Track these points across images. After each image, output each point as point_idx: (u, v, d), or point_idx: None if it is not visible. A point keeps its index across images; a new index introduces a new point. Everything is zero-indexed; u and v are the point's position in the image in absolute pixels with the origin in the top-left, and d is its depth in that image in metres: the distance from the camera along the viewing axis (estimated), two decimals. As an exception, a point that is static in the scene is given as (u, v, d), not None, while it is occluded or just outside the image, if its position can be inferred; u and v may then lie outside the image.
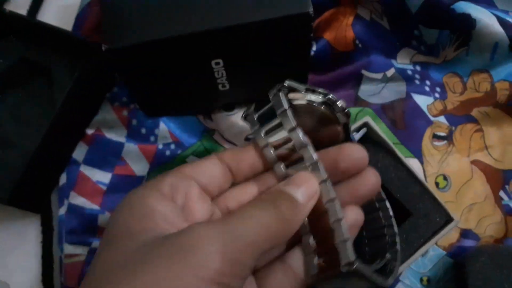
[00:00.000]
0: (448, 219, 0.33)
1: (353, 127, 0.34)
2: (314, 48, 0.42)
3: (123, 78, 0.34)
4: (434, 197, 0.33)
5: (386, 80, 0.42)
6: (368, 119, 0.34)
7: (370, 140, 0.34)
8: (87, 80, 0.38)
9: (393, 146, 0.33)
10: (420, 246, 0.32)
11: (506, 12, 0.42)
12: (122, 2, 0.31)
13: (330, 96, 0.25)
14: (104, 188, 0.39)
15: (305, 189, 0.22)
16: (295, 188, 0.22)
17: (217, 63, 0.33)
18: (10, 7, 0.45)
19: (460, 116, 0.41)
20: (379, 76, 0.42)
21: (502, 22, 0.40)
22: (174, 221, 0.21)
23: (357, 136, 0.33)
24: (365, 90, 0.42)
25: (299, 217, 0.22)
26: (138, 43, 0.30)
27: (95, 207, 0.39)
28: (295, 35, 0.32)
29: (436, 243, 0.38)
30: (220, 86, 0.36)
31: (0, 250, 0.38)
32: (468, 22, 0.40)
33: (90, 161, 0.40)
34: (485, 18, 0.40)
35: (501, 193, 0.39)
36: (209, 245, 0.18)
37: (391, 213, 0.29)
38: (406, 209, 0.33)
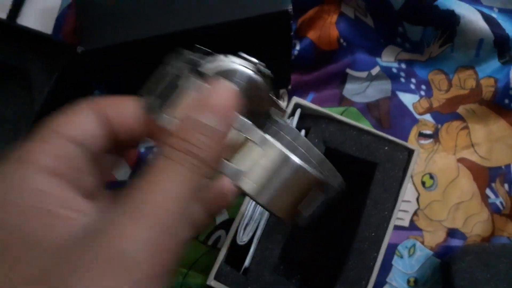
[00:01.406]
0: (410, 152, 0.31)
1: (288, 112, 0.33)
2: (297, 47, 0.42)
3: (100, 80, 0.34)
4: (388, 139, 0.32)
5: (371, 78, 0.41)
6: (295, 99, 0.32)
7: (308, 117, 0.33)
8: (66, 82, 0.37)
9: (330, 112, 0.32)
10: (400, 186, 0.31)
11: (491, 7, 0.42)
12: (97, 4, 0.30)
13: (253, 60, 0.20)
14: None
15: (222, 108, 0.17)
16: (210, 115, 0.16)
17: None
18: (-11, 10, 0.45)
19: (446, 114, 0.41)
20: (364, 74, 0.41)
21: (486, 18, 0.40)
22: (74, 204, 0.15)
23: (295, 118, 0.32)
24: (350, 89, 0.41)
25: (220, 150, 0.16)
26: (114, 44, 0.29)
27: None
28: (275, 34, 0.31)
29: (423, 243, 0.37)
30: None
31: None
32: (452, 18, 0.39)
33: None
34: (470, 14, 0.39)
35: (488, 191, 0.39)
36: (138, 251, 0.14)
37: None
38: (371, 162, 0.32)
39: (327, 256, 0.34)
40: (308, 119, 0.32)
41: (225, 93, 0.17)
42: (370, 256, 0.29)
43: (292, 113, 0.32)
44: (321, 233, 0.36)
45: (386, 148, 0.31)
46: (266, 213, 0.29)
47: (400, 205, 0.31)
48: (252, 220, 0.29)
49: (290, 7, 0.29)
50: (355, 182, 0.33)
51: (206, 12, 0.29)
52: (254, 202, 0.29)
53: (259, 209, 0.29)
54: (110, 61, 0.31)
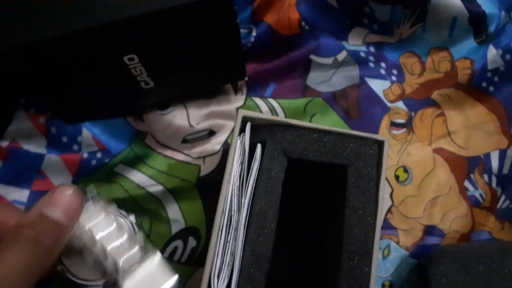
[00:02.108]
0: (380, 143, 0.29)
1: (236, 129, 0.28)
2: (254, 33, 0.37)
3: (21, 85, 0.29)
4: (353, 135, 0.29)
5: (337, 65, 0.38)
6: (240, 112, 0.29)
7: (261, 128, 0.29)
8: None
9: (283, 119, 0.28)
10: (377, 185, 0.28)
11: (465, -19, 0.38)
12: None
13: None
14: (23, 208, 0.34)
15: (66, 207, 0.21)
16: (55, 208, 0.21)
17: (131, 59, 0.28)
18: None
19: (419, 100, 0.38)
20: (329, 61, 0.38)
21: (460, -7, 0.36)
22: None
23: (246, 134, 0.28)
24: (314, 78, 0.37)
25: (63, 240, 0.21)
26: (29, 43, 0.25)
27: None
28: (217, 22, 0.27)
29: (398, 243, 0.34)
30: (143, 84, 0.31)
31: None
32: (422, -5, 0.35)
33: (5, 178, 0.35)
34: (441, -10, 0.36)
35: (466, 183, 0.36)
36: None
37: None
38: (339, 164, 0.28)
39: (316, 282, 0.31)
40: (262, 130, 0.28)
41: (68, 192, 0.21)
42: (362, 272, 0.26)
43: (242, 129, 0.28)
44: (304, 256, 0.33)
45: (352, 145, 0.28)
46: (239, 252, 0.25)
47: (383, 207, 0.28)
48: (224, 263, 0.25)
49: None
50: (328, 190, 0.30)
51: (133, 2, 0.25)
52: (222, 243, 0.25)
53: (230, 248, 0.25)
54: (30, 63, 0.26)
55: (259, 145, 0.27)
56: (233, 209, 0.26)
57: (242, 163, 0.27)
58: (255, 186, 0.26)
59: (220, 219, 0.25)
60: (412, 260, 0.34)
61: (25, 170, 0.35)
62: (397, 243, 0.35)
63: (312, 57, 0.38)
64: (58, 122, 0.35)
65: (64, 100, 0.31)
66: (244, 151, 0.27)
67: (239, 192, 0.26)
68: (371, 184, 0.27)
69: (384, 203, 0.35)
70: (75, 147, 0.35)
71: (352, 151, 0.28)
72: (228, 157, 0.27)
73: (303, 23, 0.38)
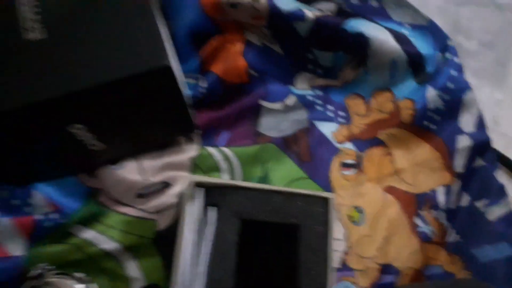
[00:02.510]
0: (326, 201, 0.30)
1: (186, 194, 0.29)
2: (204, 84, 0.38)
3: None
4: (300, 193, 0.30)
5: (286, 110, 0.39)
6: (191, 178, 0.30)
7: (212, 190, 0.30)
8: None
9: (233, 182, 0.29)
10: (325, 246, 0.29)
11: (401, 23, 0.40)
12: None
13: None
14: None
15: None
16: None
17: (77, 128, 0.28)
18: None
19: (367, 140, 0.39)
20: (278, 106, 0.39)
21: (397, 36, 0.38)
22: None
23: (200, 199, 0.29)
24: (265, 124, 0.38)
25: None
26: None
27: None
28: (160, 88, 0.27)
29: (357, 284, 0.35)
30: (92, 147, 0.31)
31: None
32: (362, 41, 0.37)
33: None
34: (379, 34, 0.37)
35: (416, 219, 0.37)
36: None
37: None
38: (290, 224, 0.29)
39: None
40: (213, 193, 0.29)
41: None
42: None
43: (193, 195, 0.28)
44: None
45: (300, 203, 0.29)
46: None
47: (332, 264, 0.29)
48: None
49: (167, 61, 0.25)
50: (281, 250, 0.30)
51: (71, 77, 0.25)
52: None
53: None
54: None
55: (213, 209, 0.28)
56: (191, 279, 0.26)
57: (196, 230, 0.27)
58: (211, 252, 0.27)
59: None
60: (370, 300, 0.35)
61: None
62: (355, 283, 0.35)
63: (262, 102, 0.38)
64: (7, 185, 0.34)
65: (10, 166, 0.31)
66: (198, 217, 0.27)
67: (192, 261, 0.26)
68: (323, 241, 0.28)
69: (340, 244, 0.36)
70: (27, 209, 0.34)
71: (301, 210, 0.29)
72: (178, 227, 0.27)
73: (250, 71, 0.39)
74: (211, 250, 0.26)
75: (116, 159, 0.36)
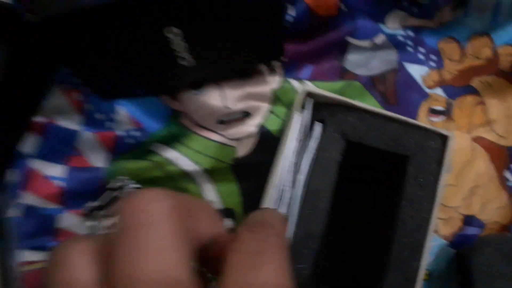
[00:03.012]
0: (444, 139, 0.28)
1: (296, 103, 0.28)
2: (292, 13, 0.37)
3: (59, 57, 0.29)
4: (417, 125, 0.28)
5: (375, 48, 0.37)
6: (305, 86, 0.28)
7: (321, 106, 0.29)
8: (23, 57, 0.32)
9: (347, 99, 0.28)
10: (436, 181, 0.27)
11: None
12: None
13: None
14: (59, 183, 0.34)
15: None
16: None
17: (173, 33, 0.28)
18: None
19: (459, 87, 0.37)
20: (366, 43, 0.37)
21: (505, -23, 0.35)
22: None
23: (307, 111, 0.28)
24: (352, 61, 0.37)
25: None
26: (69, 12, 0.24)
27: (51, 206, 0.34)
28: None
29: (437, 232, 0.34)
30: (181, 61, 0.31)
31: None
32: (467, -22, 0.34)
33: (42, 154, 0.35)
34: (487, -27, 0.34)
35: (506, 173, 0.35)
36: None
37: None
38: (401, 154, 0.28)
39: (364, 268, 0.30)
40: (321, 109, 0.28)
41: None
42: (411, 265, 0.25)
43: (303, 105, 0.27)
44: (354, 241, 0.32)
45: (416, 136, 0.27)
46: (292, 228, 0.25)
47: (439, 204, 0.27)
48: None
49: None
50: (385, 179, 0.29)
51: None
52: None
53: None
54: (70, 33, 0.26)
55: (318, 124, 0.27)
56: (285, 184, 0.25)
57: (299, 140, 0.26)
58: (311, 165, 0.26)
59: (271, 191, 0.25)
60: (450, 250, 0.33)
61: (60, 146, 0.35)
62: (436, 232, 0.34)
63: (349, 39, 0.37)
64: (93, 98, 0.35)
65: (101, 73, 0.31)
66: (304, 128, 0.26)
67: (294, 168, 0.25)
68: (432, 179, 0.26)
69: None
70: (109, 124, 0.35)
71: (415, 143, 0.27)
72: (283, 132, 0.26)
73: (341, 4, 0.37)
74: (312, 163, 0.26)
75: (199, 84, 0.36)
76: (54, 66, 0.35)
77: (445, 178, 0.27)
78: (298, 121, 0.26)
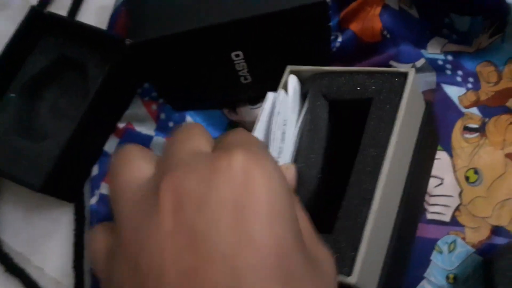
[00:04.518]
0: (405, 75, 0.30)
1: (283, 80, 0.33)
2: (339, 39, 0.42)
3: (147, 73, 0.36)
4: (382, 71, 0.30)
5: (415, 70, 0.41)
6: (287, 67, 0.33)
7: (306, 81, 0.33)
8: (117, 74, 0.40)
9: (321, 67, 0.32)
10: (394, 117, 0.29)
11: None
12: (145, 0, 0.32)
13: None
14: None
15: None
16: None
17: (237, 55, 0.34)
18: (52, 8, 0.49)
19: (494, 107, 0.39)
20: (408, 67, 0.41)
21: (541, 6, 0.38)
22: None
23: (290, 83, 0.32)
24: (392, 82, 0.41)
25: None
26: (159, 37, 0.31)
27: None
28: (313, 25, 0.32)
29: (464, 240, 0.36)
30: (242, 79, 0.37)
31: (37, 237, 0.41)
32: (503, 7, 0.38)
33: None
34: (521, 2, 0.37)
35: (538, 189, 0.37)
36: None
37: None
38: (365, 99, 0.30)
39: (329, 201, 0.32)
40: (306, 83, 0.32)
41: None
42: (368, 187, 0.27)
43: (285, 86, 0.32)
44: (329, 190, 0.33)
45: (379, 81, 0.30)
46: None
47: (397, 131, 0.28)
48: None
49: (326, -2, 0.30)
50: (357, 123, 0.31)
51: (247, 4, 0.30)
52: None
53: None
54: (156, 54, 0.33)
55: (309, 95, 0.31)
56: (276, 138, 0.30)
57: (278, 113, 0.31)
58: (304, 127, 0.30)
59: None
60: (477, 257, 0.36)
61: (137, 148, 0.42)
62: (464, 239, 0.36)
63: (392, 62, 0.41)
64: (167, 109, 0.41)
65: (176, 88, 0.38)
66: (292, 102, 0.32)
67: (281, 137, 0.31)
68: (392, 112, 0.29)
69: (452, 201, 0.37)
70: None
71: (379, 86, 0.30)
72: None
73: (385, 32, 0.41)
74: (304, 126, 0.31)
75: (254, 100, 0.41)
76: (139, 81, 0.42)
77: (404, 109, 0.29)
78: (271, 97, 0.32)
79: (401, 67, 0.41)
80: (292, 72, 0.33)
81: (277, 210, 0.17)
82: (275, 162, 0.19)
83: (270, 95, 0.32)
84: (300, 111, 0.32)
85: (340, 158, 0.33)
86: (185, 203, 0.16)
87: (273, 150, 0.30)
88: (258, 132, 0.31)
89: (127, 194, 0.19)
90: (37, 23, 0.41)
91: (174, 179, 0.17)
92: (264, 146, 0.23)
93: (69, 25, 0.42)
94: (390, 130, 0.28)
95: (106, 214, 0.40)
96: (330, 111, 0.31)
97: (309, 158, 0.30)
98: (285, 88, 0.33)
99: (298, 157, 0.30)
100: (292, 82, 0.32)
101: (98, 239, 0.20)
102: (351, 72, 0.31)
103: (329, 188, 0.31)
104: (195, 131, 0.21)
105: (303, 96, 0.32)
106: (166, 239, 0.16)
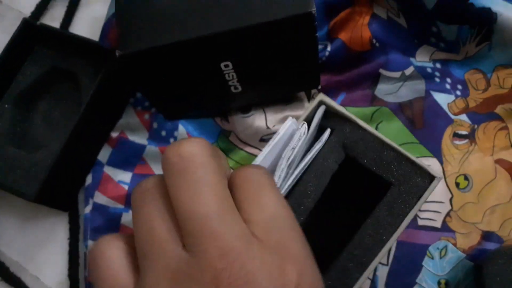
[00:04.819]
0: (432, 179, 0.30)
1: (309, 108, 0.32)
2: (329, 48, 0.42)
3: (137, 83, 0.36)
4: (411, 160, 0.30)
5: (404, 78, 0.41)
6: (321, 96, 0.32)
7: (334, 117, 0.32)
8: (109, 85, 0.40)
9: (356, 118, 0.31)
10: (406, 214, 0.30)
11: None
12: (135, 11, 0.33)
13: None
14: (126, 187, 0.41)
15: None
16: None
17: (226, 66, 0.34)
18: (45, 19, 0.49)
19: (483, 114, 0.40)
20: (397, 74, 0.41)
21: (526, 14, 0.38)
22: None
23: (316, 117, 0.31)
24: (382, 89, 0.41)
25: None
26: (148, 48, 0.31)
27: (119, 206, 0.41)
28: (300, 35, 0.32)
29: (455, 245, 0.37)
30: (232, 89, 0.37)
31: (31, 246, 0.41)
32: (489, 16, 0.38)
33: (114, 162, 0.42)
34: (507, 11, 0.38)
35: (527, 194, 0.37)
36: None
37: None
38: (385, 180, 0.30)
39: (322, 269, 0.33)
40: (333, 120, 0.32)
41: None
42: (352, 275, 0.28)
43: (314, 111, 0.32)
44: (317, 243, 0.34)
45: (407, 169, 0.30)
46: None
47: (400, 232, 0.30)
48: None
49: (313, 9, 0.30)
50: (366, 196, 0.32)
51: (234, 16, 0.31)
52: None
53: None
54: (146, 65, 0.33)
55: (328, 130, 0.31)
56: (280, 176, 0.29)
57: (293, 148, 0.30)
58: (307, 168, 0.30)
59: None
60: (468, 262, 0.36)
61: (129, 157, 0.42)
62: (455, 245, 0.37)
63: (381, 71, 0.41)
64: (159, 118, 0.42)
65: (168, 97, 0.38)
66: (311, 131, 0.31)
67: (288, 164, 0.30)
68: (406, 211, 0.29)
69: (443, 207, 0.38)
70: (171, 140, 0.42)
71: (403, 174, 0.30)
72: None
73: (374, 41, 0.42)
74: (309, 167, 0.30)
75: (246, 108, 0.42)
76: (131, 91, 0.42)
77: (415, 212, 0.29)
78: (290, 125, 0.30)
79: (390, 75, 0.41)
80: (321, 103, 0.32)
81: None
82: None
83: (289, 122, 0.31)
84: (311, 141, 0.31)
85: (331, 208, 0.33)
86: None
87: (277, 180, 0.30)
88: (266, 158, 0.31)
89: None
90: (29, 35, 0.42)
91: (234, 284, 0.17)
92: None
93: (61, 37, 0.42)
94: (394, 230, 0.29)
95: (101, 223, 0.41)
96: (342, 162, 0.31)
97: (301, 204, 0.30)
98: (307, 118, 0.32)
99: (291, 198, 0.30)
100: (318, 115, 0.32)
101: None
102: (383, 142, 0.30)
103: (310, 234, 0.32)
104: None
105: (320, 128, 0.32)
106: None
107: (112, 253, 0.20)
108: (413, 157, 0.30)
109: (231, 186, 0.20)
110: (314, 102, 0.32)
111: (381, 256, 0.28)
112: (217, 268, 0.17)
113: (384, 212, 0.29)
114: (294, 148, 0.30)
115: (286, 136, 0.30)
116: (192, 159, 0.19)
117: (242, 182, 0.20)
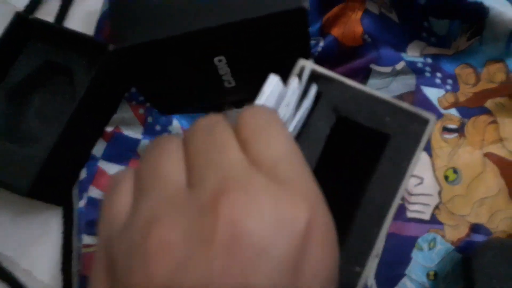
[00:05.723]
0: (427, 121, 0.29)
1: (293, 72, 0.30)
2: (321, 44, 0.42)
3: (132, 77, 0.36)
4: (405, 109, 0.29)
5: (395, 73, 0.42)
6: (303, 62, 0.30)
7: (320, 79, 0.30)
8: (104, 79, 0.40)
9: (344, 78, 0.30)
10: (409, 163, 0.29)
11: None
12: (129, 6, 0.33)
13: None
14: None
15: None
16: None
17: (220, 60, 0.34)
18: (40, 14, 0.49)
19: (473, 108, 0.40)
20: (388, 69, 0.42)
21: (517, 9, 0.39)
22: None
23: (303, 80, 0.29)
24: (373, 84, 0.42)
25: None
26: (141, 43, 0.32)
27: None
28: (292, 30, 0.32)
29: (444, 237, 0.37)
30: (226, 83, 0.37)
31: (25, 240, 0.41)
32: (480, 10, 0.39)
33: (108, 157, 0.42)
34: (498, 5, 0.39)
35: (515, 187, 0.38)
36: None
37: None
38: (383, 133, 0.29)
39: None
40: (320, 83, 0.30)
41: None
42: (372, 231, 0.27)
43: (299, 75, 0.30)
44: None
45: (401, 117, 0.29)
46: None
47: (408, 181, 0.29)
48: None
49: (306, 4, 0.30)
50: (365, 153, 0.31)
51: (228, 10, 0.31)
52: None
53: None
54: (139, 59, 0.34)
55: (314, 86, 0.29)
56: None
57: (287, 105, 0.28)
58: (298, 137, 0.29)
59: None
60: (457, 254, 0.37)
61: (124, 151, 0.42)
62: (443, 237, 0.37)
63: (372, 66, 0.42)
64: (154, 113, 0.42)
65: (162, 92, 0.38)
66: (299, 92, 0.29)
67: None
68: (408, 158, 0.28)
69: (432, 200, 0.38)
70: (165, 134, 0.42)
71: (399, 124, 0.29)
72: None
73: (365, 36, 0.42)
74: (300, 135, 0.29)
75: (240, 104, 0.42)
76: (126, 86, 0.42)
77: (418, 158, 0.29)
78: (274, 82, 0.28)
79: (381, 70, 0.42)
80: (303, 68, 0.30)
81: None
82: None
83: (273, 80, 0.29)
84: (297, 107, 0.29)
85: (331, 172, 0.31)
86: (243, 245, 0.15)
87: None
88: None
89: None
90: (22, 29, 0.42)
91: (233, 208, 0.15)
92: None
93: (55, 31, 0.42)
94: (401, 178, 0.28)
95: (95, 216, 0.41)
96: (335, 124, 0.30)
97: None
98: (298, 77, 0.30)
99: None
100: (304, 79, 0.30)
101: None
102: (375, 97, 0.30)
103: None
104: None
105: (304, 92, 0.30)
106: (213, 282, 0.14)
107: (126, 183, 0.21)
108: (406, 105, 0.30)
109: (237, 126, 0.21)
110: (296, 68, 0.30)
111: (393, 210, 0.28)
112: (217, 193, 0.16)
113: (388, 165, 0.29)
114: (288, 105, 0.28)
115: (274, 97, 0.28)
116: None
117: (248, 120, 0.20)
